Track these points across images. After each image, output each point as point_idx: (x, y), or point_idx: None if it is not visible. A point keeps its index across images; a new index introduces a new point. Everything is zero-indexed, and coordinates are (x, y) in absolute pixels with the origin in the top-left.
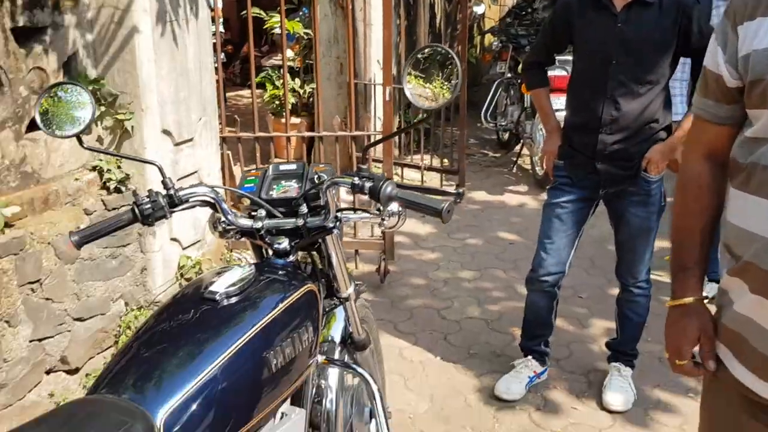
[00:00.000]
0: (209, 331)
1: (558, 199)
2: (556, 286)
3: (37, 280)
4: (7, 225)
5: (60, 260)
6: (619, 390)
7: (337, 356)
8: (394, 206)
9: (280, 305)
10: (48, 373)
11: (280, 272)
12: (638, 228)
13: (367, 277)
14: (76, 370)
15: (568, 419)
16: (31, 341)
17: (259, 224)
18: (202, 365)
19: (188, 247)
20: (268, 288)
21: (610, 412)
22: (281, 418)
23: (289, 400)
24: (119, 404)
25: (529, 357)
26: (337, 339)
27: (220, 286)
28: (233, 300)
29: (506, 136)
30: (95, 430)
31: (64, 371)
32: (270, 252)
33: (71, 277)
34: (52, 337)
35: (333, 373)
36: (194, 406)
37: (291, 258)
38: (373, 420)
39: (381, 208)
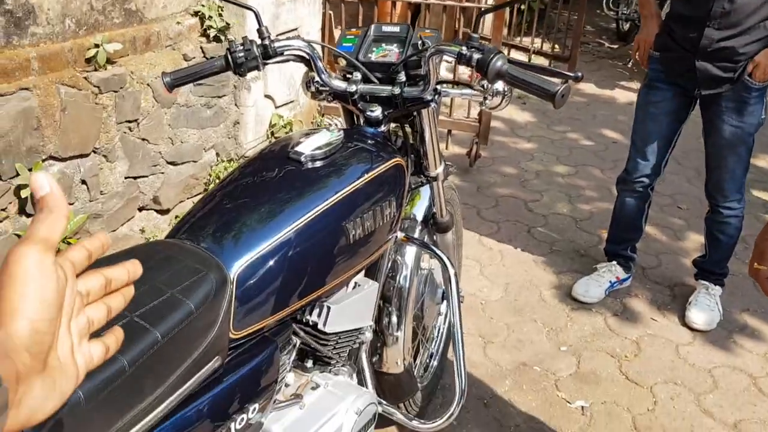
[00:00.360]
0: (291, 192)
1: (652, 98)
2: (650, 187)
3: (135, 120)
4: (109, 61)
5: (157, 103)
6: (704, 309)
7: (417, 235)
8: (499, 85)
9: (366, 176)
10: (140, 210)
11: (369, 141)
12: (729, 139)
13: (457, 159)
14: (167, 211)
15: (645, 329)
16: (126, 178)
17: (353, 88)
18: (281, 225)
19: (281, 106)
20: (355, 156)
21: (692, 329)
22: (354, 287)
23: (363, 271)
24: (196, 252)
25: (614, 262)
26: (420, 218)
27: (306, 148)
28: (318, 164)
29: (627, 26)
30: (171, 273)
31: (155, 210)
32: (361, 119)
33: (167, 121)
34: (146, 176)
35: (410, 250)
36: (268, 265)
37: (382, 128)
38: (445, 302)
39: (486, 84)
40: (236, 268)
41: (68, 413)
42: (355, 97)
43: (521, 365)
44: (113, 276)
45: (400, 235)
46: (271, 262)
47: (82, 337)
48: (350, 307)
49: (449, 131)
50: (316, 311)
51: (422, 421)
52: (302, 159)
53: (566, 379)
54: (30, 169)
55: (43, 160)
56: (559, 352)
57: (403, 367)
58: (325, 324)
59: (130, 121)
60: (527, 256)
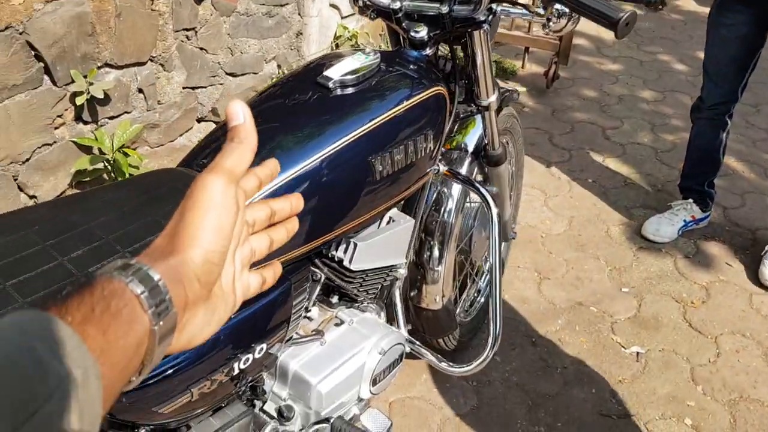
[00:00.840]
0: (314, 121)
1: (723, 19)
2: (727, 114)
3: (193, 28)
4: None
5: (216, 11)
6: None
7: (465, 168)
8: (559, 7)
9: (399, 106)
10: (199, 121)
11: (411, 66)
12: None
13: (533, 79)
14: None
15: (717, 275)
16: (184, 88)
17: (396, 4)
18: (299, 158)
19: (347, 16)
20: (390, 84)
21: (764, 287)
22: (389, 222)
23: (402, 204)
24: None
25: (690, 200)
26: (470, 148)
27: (336, 73)
28: (348, 91)
29: None
30: (173, 206)
31: (214, 122)
32: (406, 41)
33: (226, 30)
34: (204, 87)
35: (456, 184)
36: None
37: (428, 51)
38: None
39: (545, 6)
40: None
41: None
42: (399, 14)
43: (577, 304)
44: (277, 208)
45: (442, 168)
46: None
47: (244, 267)
48: (379, 244)
49: (527, 49)
50: (342, 247)
51: (452, 363)
52: (330, 85)
53: (624, 323)
54: (85, 76)
55: (99, 68)
56: (620, 293)
57: (442, 304)
58: (350, 261)
59: (187, 30)
60: (598, 188)
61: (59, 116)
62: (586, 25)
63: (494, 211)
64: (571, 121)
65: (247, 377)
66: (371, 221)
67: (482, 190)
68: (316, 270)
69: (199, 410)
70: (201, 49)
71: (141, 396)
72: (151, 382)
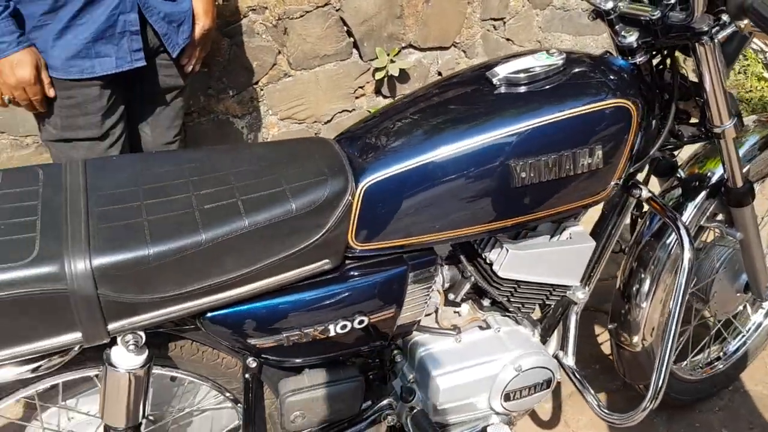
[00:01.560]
0: (464, 114)
1: None
2: None
3: (501, 18)
4: None
5: (529, 3)
6: None
7: (699, 200)
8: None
9: (559, 113)
10: None
11: (610, 75)
12: None
13: None
14: None
15: None
16: None
17: (609, 4)
18: (434, 147)
19: None
20: (561, 88)
21: None
22: (568, 238)
23: (585, 223)
24: (336, 156)
25: None
26: (714, 180)
27: (505, 70)
28: (512, 89)
29: None
30: (299, 170)
31: None
32: None
33: (538, 23)
34: None
35: (687, 216)
36: (407, 185)
37: (638, 59)
38: (748, 293)
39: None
40: (368, 180)
41: (134, 267)
42: (612, 16)
43: None
44: None
45: (645, 193)
46: (411, 184)
47: None
48: (540, 258)
49: None
50: (496, 250)
51: (606, 409)
52: (494, 81)
53: None
54: (388, 54)
55: (402, 48)
56: None
57: (642, 347)
58: (500, 267)
59: (495, 19)
60: None
61: (361, 87)
62: None
63: (686, 255)
64: None
65: (350, 343)
66: (545, 230)
67: (682, 229)
68: (466, 268)
69: (297, 359)
70: (507, 39)
71: (238, 321)
72: (246, 309)
